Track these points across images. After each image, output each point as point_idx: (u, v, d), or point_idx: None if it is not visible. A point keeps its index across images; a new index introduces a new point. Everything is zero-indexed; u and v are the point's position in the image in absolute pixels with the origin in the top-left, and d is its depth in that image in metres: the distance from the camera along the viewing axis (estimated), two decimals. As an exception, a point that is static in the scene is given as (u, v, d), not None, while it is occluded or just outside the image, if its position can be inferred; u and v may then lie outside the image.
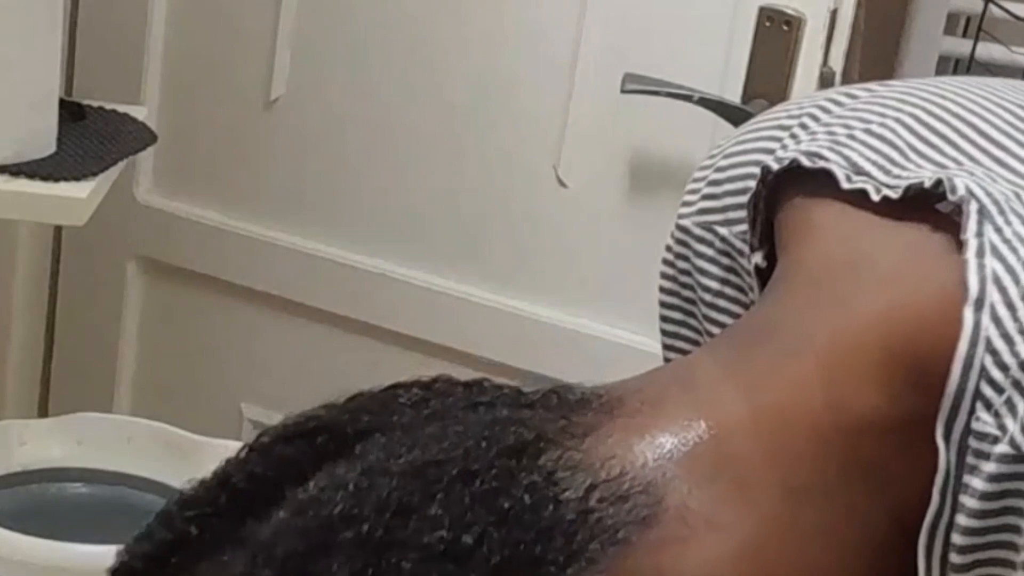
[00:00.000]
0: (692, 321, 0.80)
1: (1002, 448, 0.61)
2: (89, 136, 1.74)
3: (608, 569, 0.61)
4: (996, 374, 0.62)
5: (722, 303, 0.78)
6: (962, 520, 0.63)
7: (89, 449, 1.60)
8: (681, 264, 0.79)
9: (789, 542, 0.64)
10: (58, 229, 2.25)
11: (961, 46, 2.63)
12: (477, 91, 2.00)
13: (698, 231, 0.78)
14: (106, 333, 2.24)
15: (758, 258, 0.74)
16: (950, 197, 0.66)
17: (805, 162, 0.71)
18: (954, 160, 0.70)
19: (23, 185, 1.62)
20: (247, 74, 2.11)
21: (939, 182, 0.67)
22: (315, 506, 0.63)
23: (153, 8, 2.12)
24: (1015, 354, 0.62)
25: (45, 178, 1.63)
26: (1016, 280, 0.63)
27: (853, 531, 0.65)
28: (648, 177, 1.93)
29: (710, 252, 0.78)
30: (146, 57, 2.14)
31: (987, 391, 0.62)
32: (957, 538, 0.63)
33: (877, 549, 0.65)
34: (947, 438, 0.63)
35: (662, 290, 0.81)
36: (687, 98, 1.83)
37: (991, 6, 2.55)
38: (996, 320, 0.62)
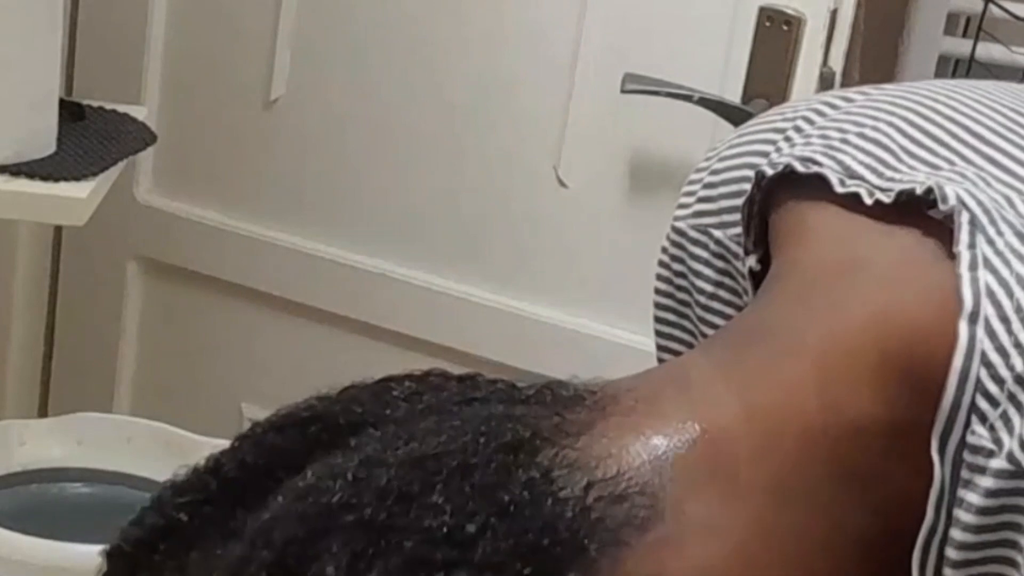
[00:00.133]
0: (686, 323, 0.80)
1: (999, 463, 0.61)
2: (89, 136, 1.74)
3: (606, 570, 0.61)
4: (991, 387, 0.62)
5: (716, 305, 0.78)
6: (957, 534, 0.63)
7: (89, 449, 1.60)
8: (676, 266, 0.79)
9: (779, 544, 0.64)
10: (58, 229, 2.25)
11: (961, 46, 2.64)
12: (477, 91, 2.00)
13: (693, 233, 0.78)
14: (106, 333, 2.24)
15: (752, 261, 0.75)
16: (941, 207, 0.66)
17: (799, 167, 0.71)
18: (947, 161, 0.70)
19: (23, 185, 1.62)
20: (247, 74, 2.11)
21: (930, 190, 0.67)
22: (314, 493, 0.63)
23: (153, 8, 2.13)
24: (1010, 367, 0.62)
25: (45, 178, 1.63)
26: (1009, 293, 0.63)
27: (840, 535, 0.65)
28: (648, 177, 1.93)
29: (705, 254, 0.78)
30: (146, 57, 2.14)
31: (982, 404, 0.62)
32: (951, 552, 0.63)
33: (865, 554, 0.65)
34: (942, 451, 0.63)
35: (657, 291, 0.81)
36: (687, 98, 1.83)
37: (991, 6, 2.55)
38: (991, 334, 0.63)
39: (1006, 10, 2.57)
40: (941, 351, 0.63)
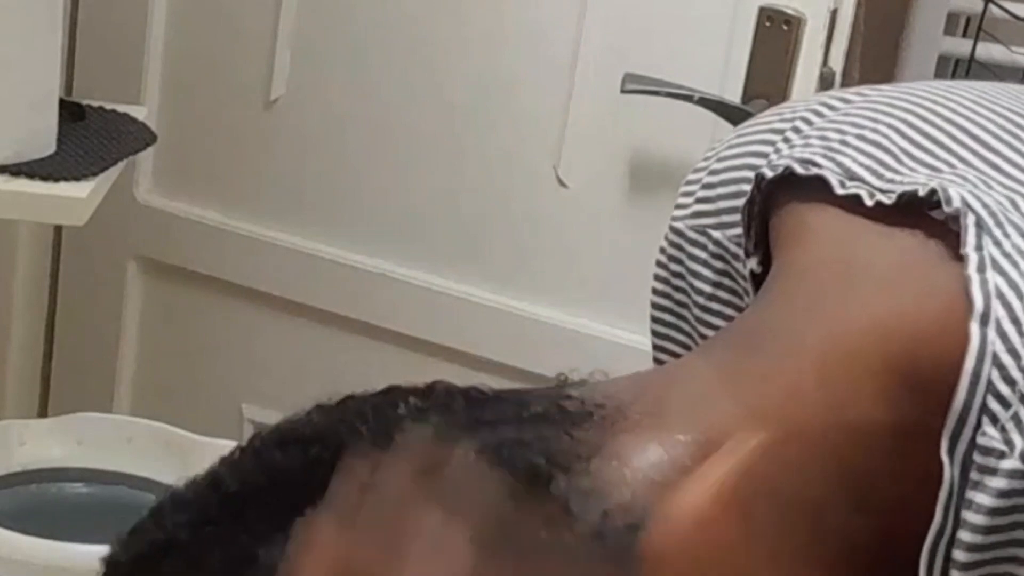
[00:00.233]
0: (683, 324, 0.80)
1: (1011, 464, 0.61)
2: (89, 136, 1.74)
3: None
4: (1003, 388, 0.62)
5: (715, 306, 0.78)
6: (965, 536, 0.63)
7: (89, 449, 1.60)
8: (674, 266, 0.79)
9: (781, 548, 0.64)
10: (58, 229, 2.25)
11: (961, 46, 2.64)
12: (477, 91, 2.00)
13: (692, 234, 0.78)
14: (106, 333, 2.24)
15: (753, 263, 0.75)
16: (945, 209, 0.66)
17: (799, 169, 0.71)
18: (947, 164, 0.70)
19: (23, 185, 1.62)
20: (247, 74, 2.11)
21: (933, 192, 0.67)
22: None
23: (153, 8, 2.12)
24: (1022, 368, 0.62)
25: (45, 178, 1.63)
26: (1020, 295, 0.63)
27: (840, 539, 0.65)
28: (648, 177, 1.93)
29: (703, 255, 0.78)
30: (146, 57, 2.14)
31: (993, 406, 0.62)
32: (959, 555, 0.63)
33: (864, 557, 0.65)
34: (951, 453, 0.63)
35: (655, 292, 0.81)
36: (687, 98, 1.83)
37: (991, 6, 2.55)
38: (1002, 335, 0.62)
39: (1006, 10, 2.57)
40: (948, 354, 0.63)
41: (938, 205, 0.66)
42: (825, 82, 1.81)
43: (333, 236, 2.10)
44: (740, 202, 0.75)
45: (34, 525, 1.43)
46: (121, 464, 1.59)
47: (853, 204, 0.69)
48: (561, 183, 1.97)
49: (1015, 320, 0.63)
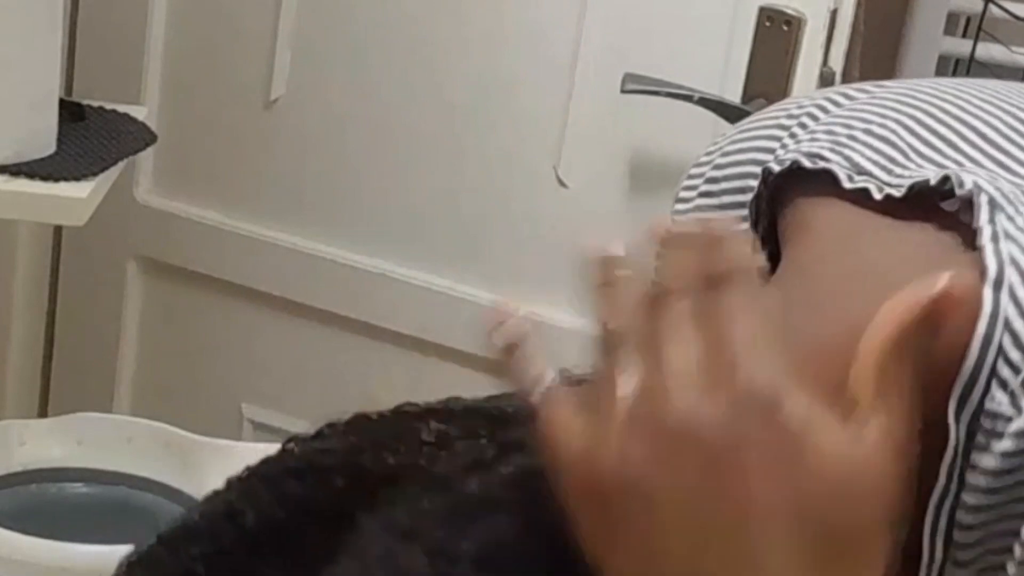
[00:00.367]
0: None
1: (1020, 424, 0.61)
2: (89, 136, 1.74)
3: None
4: (1014, 354, 0.62)
5: None
6: (970, 499, 0.63)
7: (89, 449, 1.59)
8: None
9: None
10: (58, 229, 2.25)
11: (961, 46, 2.64)
12: (477, 91, 2.00)
13: None
14: (106, 333, 2.24)
15: (761, 260, 0.74)
16: (958, 191, 0.66)
17: (806, 163, 0.71)
18: (955, 162, 0.70)
19: (23, 185, 1.62)
20: (247, 74, 2.11)
21: (946, 178, 0.66)
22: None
23: (153, 8, 2.13)
24: None
25: (45, 178, 1.63)
26: None
27: None
28: (648, 177, 1.93)
29: None
30: (146, 57, 2.14)
31: (1004, 371, 0.62)
32: (964, 516, 0.63)
33: None
34: (958, 416, 0.63)
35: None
36: (687, 98, 1.83)
37: (991, 6, 2.55)
38: (1015, 301, 0.62)
39: (1006, 10, 2.57)
40: (959, 336, 0.63)
41: (949, 195, 0.66)
42: (825, 82, 1.81)
43: (333, 236, 2.10)
44: (745, 197, 0.74)
45: (34, 525, 1.43)
46: (121, 464, 1.59)
47: (862, 199, 0.69)
48: (561, 183, 1.97)
49: None
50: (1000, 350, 0.62)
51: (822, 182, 0.70)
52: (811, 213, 0.71)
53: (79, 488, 1.59)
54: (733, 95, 1.84)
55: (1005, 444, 0.61)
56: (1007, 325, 0.62)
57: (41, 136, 1.66)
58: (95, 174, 1.66)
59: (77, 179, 1.64)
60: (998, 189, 0.66)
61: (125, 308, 2.23)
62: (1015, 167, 0.69)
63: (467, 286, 2.04)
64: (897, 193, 0.68)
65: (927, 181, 0.67)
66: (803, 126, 0.75)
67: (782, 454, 0.58)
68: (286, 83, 2.09)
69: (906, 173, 0.69)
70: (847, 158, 0.70)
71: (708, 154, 0.79)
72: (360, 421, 0.67)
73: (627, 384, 0.62)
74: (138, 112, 1.87)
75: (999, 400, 0.62)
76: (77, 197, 1.62)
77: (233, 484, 0.66)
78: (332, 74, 2.07)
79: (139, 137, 1.80)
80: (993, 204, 0.65)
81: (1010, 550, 0.62)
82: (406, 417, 0.67)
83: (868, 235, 0.68)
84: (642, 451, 0.59)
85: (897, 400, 0.60)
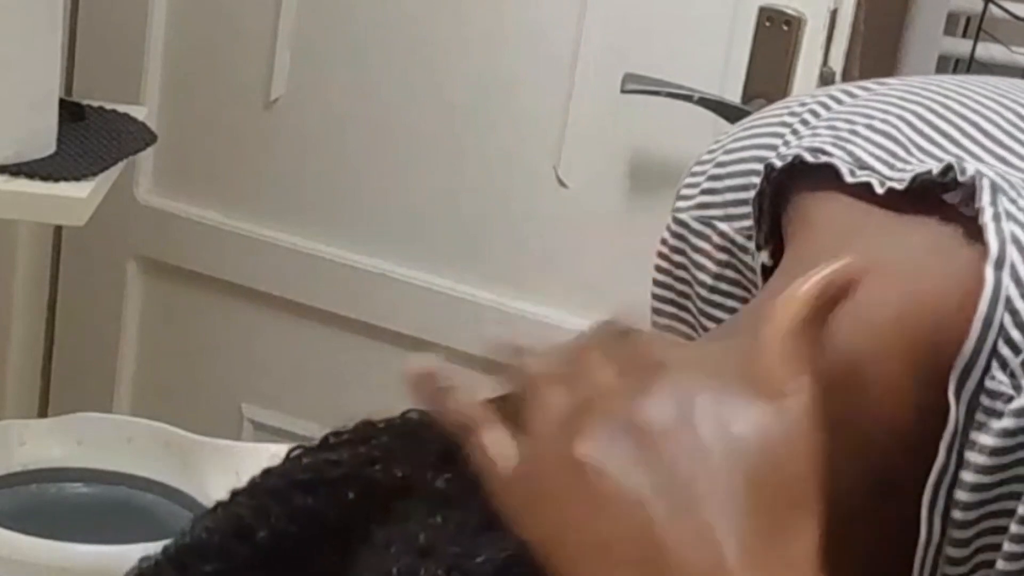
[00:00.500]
0: (685, 315, 0.80)
1: (1020, 403, 0.61)
2: (89, 136, 1.74)
3: None
4: (1015, 334, 0.62)
5: (717, 298, 0.78)
6: (968, 477, 0.63)
7: (89, 449, 1.59)
8: (677, 257, 0.79)
9: None
10: (58, 229, 2.25)
11: (961, 46, 2.64)
12: (477, 91, 2.00)
13: (696, 225, 0.78)
14: (106, 333, 2.24)
15: (764, 256, 0.74)
16: (960, 179, 0.66)
17: (808, 157, 0.71)
18: (956, 157, 0.70)
19: (23, 185, 1.62)
20: (247, 74, 2.11)
21: (948, 168, 0.66)
22: None
23: (153, 8, 2.13)
24: None
25: (45, 178, 1.63)
26: None
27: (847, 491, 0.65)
28: (648, 177, 1.93)
29: (707, 246, 0.78)
30: (146, 57, 2.14)
31: (1004, 351, 0.62)
32: (962, 495, 0.63)
33: (857, 506, 0.65)
34: (958, 395, 0.63)
35: (656, 283, 0.80)
36: (687, 98, 1.83)
37: (991, 6, 2.55)
38: (1017, 281, 0.62)
39: (1006, 10, 2.57)
40: (961, 325, 0.63)
41: (951, 187, 0.66)
42: (825, 82, 1.81)
43: (333, 236, 2.10)
44: (748, 194, 0.74)
45: (34, 525, 1.43)
46: (121, 464, 1.59)
47: (864, 193, 0.69)
48: (561, 183, 1.97)
49: None
50: (1001, 329, 0.62)
51: (824, 177, 0.70)
52: (814, 208, 0.71)
53: (79, 488, 1.59)
54: (733, 95, 1.84)
55: (1004, 423, 0.61)
56: (1008, 304, 0.62)
57: (41, 136, 1.66)
58: (95, 174, 1.66)
59: (77, 179, 1.64)
60: (1000, 175, 0.66)
61: (125, 308, 2.23)
62: (1016, 162, 0.69)
63: (467, 286, 2.04)
64: (899, 186, 0.68)
65: (930, 172, 0.67)
66: (805, 123, 0.75)
67: (716, 434, 0.59)
68: (286, 83, 2.09)
69: (908, 167, 0.69)
70: (849, 153, 0.71)
71: (710, 152, 0.79)
72: (366, 430, 0.67)
73: (559, 396, 0.64)
74: (138, 112, 1.87)
75: (999, 379, 0.62)
76: (77, 197, 1.63)
77: (241, 498, 0.65)
78: (332, 74, 2.07)
79: (139, 137, 1.81)
80: (995, 187, 0.65)
81: (1006, 529, 0.62)
82: (412, 426, 0.67)
83: (871, 229, 0.68)
84: (595, 444, 0.60)
85: (806, 377, 0.61)
